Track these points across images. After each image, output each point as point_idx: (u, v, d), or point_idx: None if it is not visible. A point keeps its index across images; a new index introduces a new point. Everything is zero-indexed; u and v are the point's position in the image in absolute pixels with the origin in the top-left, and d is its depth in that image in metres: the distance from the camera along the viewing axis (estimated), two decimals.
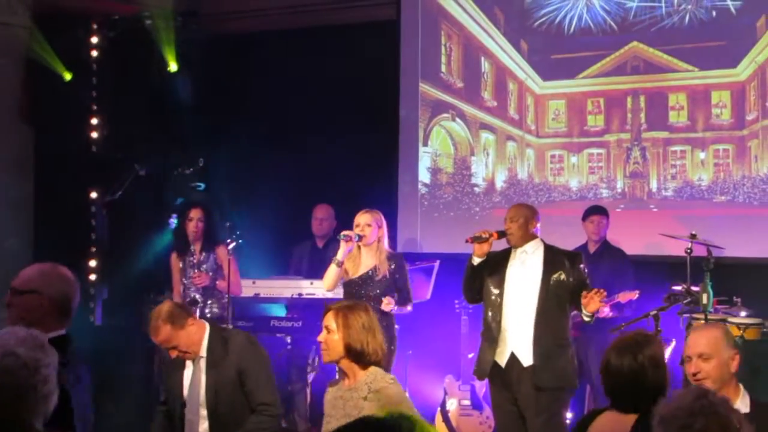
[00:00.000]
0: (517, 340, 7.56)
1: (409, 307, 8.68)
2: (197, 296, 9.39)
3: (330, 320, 5.47)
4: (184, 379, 6.68)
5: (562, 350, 7.51)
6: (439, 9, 11.61)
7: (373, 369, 5.43)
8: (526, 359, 7.51)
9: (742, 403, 4.94)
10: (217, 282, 9.48)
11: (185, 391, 6.65)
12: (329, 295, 8.97)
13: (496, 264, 7.73)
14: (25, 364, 3.49)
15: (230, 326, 9.24)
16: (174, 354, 6.57)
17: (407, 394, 5.46)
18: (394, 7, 11.80)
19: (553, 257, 7.69)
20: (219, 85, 12.29)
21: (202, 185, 11.33)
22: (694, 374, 4.95)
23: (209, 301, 9.51)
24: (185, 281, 9.53)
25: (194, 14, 12.50)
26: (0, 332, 3.64)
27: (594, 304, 7.22)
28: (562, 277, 7.57)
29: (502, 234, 7.65)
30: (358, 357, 5.41)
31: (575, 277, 7.59)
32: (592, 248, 9.69)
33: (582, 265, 7.65)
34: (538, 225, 7.75)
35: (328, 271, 8.51)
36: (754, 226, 9.84)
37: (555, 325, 7.57)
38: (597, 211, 9.80)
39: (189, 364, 6.65)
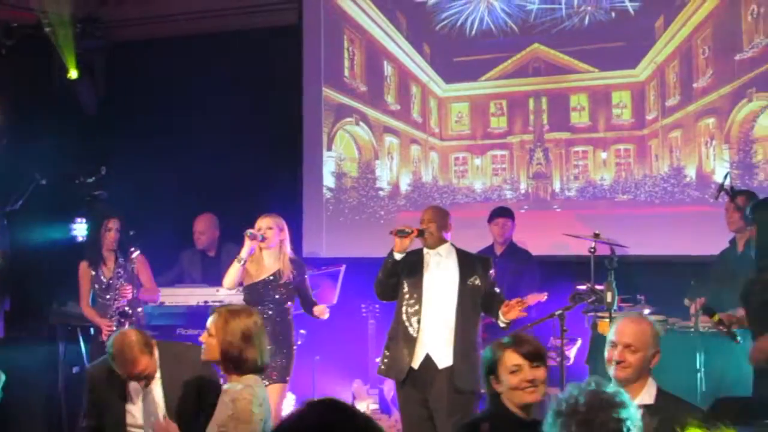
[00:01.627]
0: (434, 342, 7.59)
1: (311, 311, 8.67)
2: (128, 309, 9.20)
3: (211, 322, 5.50)
4: (129, 408, 6.34)
5: (476, 353, 7.53)
6: (342, 13, 11.60)
7: (245, 379, 5.42)
8: (442, 361, 7.54)
9: (647, 394, 5.01)
10: (140, 291, 9.34)
11: (138, 421, 6.31)
12: (235, 301, 8.91)
13: (412, 264, 7.75)
14: None
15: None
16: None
17: (262, 413, 5.36)
18: (296, 13, 11.76)
19: (467, 261, 7.78)
20: (121, 91, 12.18)
21: (104, 194, 11.17)
22: (619, 362, 5.01)
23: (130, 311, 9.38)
24: (109, 294, 9.34)
25: (94, 21, 12.35)
26: None
27: (514, 313, 7.32)
28: (477, 282, 7.67)
29: (421, 232, 7.68)
30: (234, 362, 5.41)
31: (487, 283, 7.71)
32: (498, 250, 9.74)
33: (492, 271, 7.75)
34: (451, 230, 7.83)
35: (230, 270, 8.41)
36: (656, 225, 9.95)
37: (471, 328, 7.66)
38: (502, 213, 9.85)
39: (134, 390, 6.34)
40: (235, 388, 5.38)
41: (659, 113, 10.22)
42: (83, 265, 9.46)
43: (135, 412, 6.37)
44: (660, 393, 5.05)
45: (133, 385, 6.34)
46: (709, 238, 9.24)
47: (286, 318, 8.39)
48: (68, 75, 11.86)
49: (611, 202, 10.36)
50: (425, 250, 7.80)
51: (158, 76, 12.03)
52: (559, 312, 7.45)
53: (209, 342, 5.46)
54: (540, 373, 4.98)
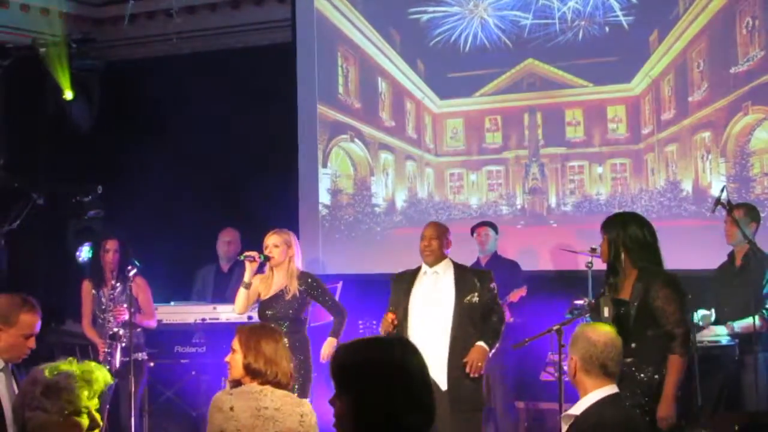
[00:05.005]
0: (430, 364, 7.52)
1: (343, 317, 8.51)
2: (120, 330, 9.16)
3: (236, 341, 5.50)
4: None
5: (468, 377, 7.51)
6: (335, 31, 11.60)
7: (257, 389, 5.38)
8: (439, 383, 7.46)
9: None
10: (137, 316, 9.29)
11: None
12: (232, 318, 8.90)
13: (405, 282, 7.73)
14: None
15: (144, 355, 9.15)
16: None
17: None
18: (290, 31, 11.76)
19: (463, 277, 7.71)
20: (117, 111, 12.19)
21: (101, 212, 11.16)
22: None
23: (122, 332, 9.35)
24: (105, 315, 9.32)
25: (89, 41, 12.37)
26: None
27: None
28: (474, 299, 7.60)
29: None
30: (255, 375, 5.40)
31: (486, 297, 7.64)
32: (483, 261, 9.74)
33: (492, 284, 7.69)
34: (450, 246, 7.83)
35: (238, 296, 8.36)
36: None
37: (468, 347, 7.56)
38: (481, 224, 9.87)
39: None
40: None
41: (655, 127, 10.22)
42: (86, 284, 9.46)
43: None
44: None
45: None
46: (706, 252, 9.22)
47: (298, 334, 8.27)
48: (63, 96, 11.85)
49: (607, 217, 10.33)
50: (423, 268, 7.77)
51: (153, 95, 12.03)
52: (557, 327, 7.42)
53: (234, 359, 5.47)
54: None
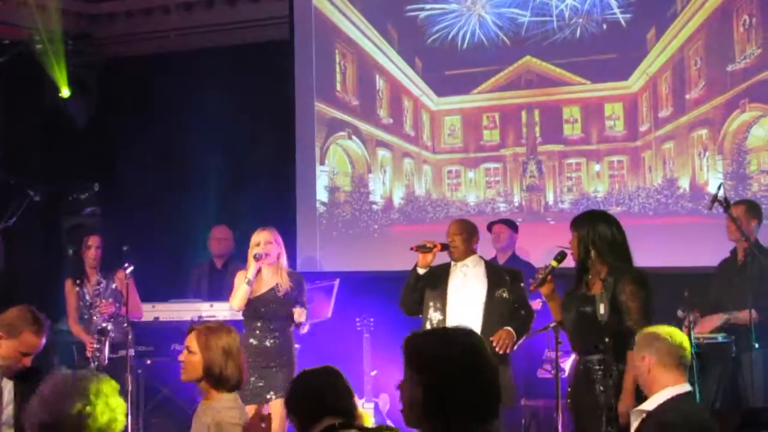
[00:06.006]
0: None
1: (304, 329, 8.54)
2: (107, 325, 9.18)
3: (192, 341, 5.42)
4: None
5: (504, 367, 7.51)
6: (333, 28, 11.59)
7: (226, 397, 5.37)
8: None
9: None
10: (122, 308, 9.34)
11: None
12: (228, 316, 8.90)
13: (437, 277, 7.78)
14: None
15: (132, 351, 9.14)
16: None
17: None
18: (287, 27, 11.75)
19: (495, 273, 7.81)
20: (114, 108, 12.18)
21: (98, 210, 11.16)
22: None
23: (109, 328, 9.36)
24: (91, 311, 9.35)
25: (86, 37, 12.37)
26: None
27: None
28: (505, 294, 7.70)
29: (445, 246, 7.70)
30: (216, 380, 5.35)
31: (516, 295, 7.74)
32: (501, 260, 9.73)
33: (522, 284, 7.75)
34: (478, 242, 7.89)
35: (238, 291, 8.37)
36: (649, 236, 9.90)
37: None
38: (498, 221, 9.92)
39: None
40: (217, 408, 5.35)
41: (652, 125, 10.22)
42: (68, 283, 9.53)
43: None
44: None
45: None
46: (703, 249, 9.24)
47: (287, 332, 8.35)
48: (60, 93, 11.84)
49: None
50: (452, 263, 7.83)
51: (149, 92, 12.03)
52: (553, 324, 7.43)
53: (190, 360, 5.39)
54: None
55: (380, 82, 11.47)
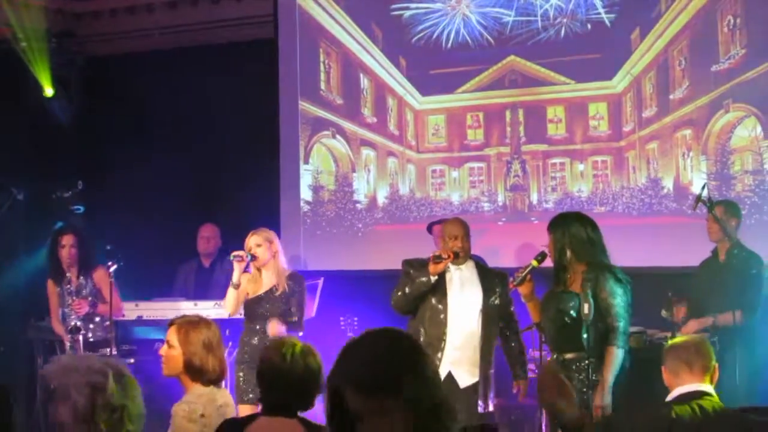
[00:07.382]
0: (458, 360, 7.55)
1: (299, 333, 8.51)
2: (78, 323, 9.19)
3: (171, 335, 5.42)
4: None
5: (492, 372, 7.66)
6: (318, 27, 11.57)
7: (198, 390, 5.37)
8: (464, 380, 7.51)
9: None
10: (99, 306, 9.33)
11: None
12: (213, 315, 8.87)
13: (435, 282, 7.69)
14: None
15: (114, 350, 9.12)
16: None
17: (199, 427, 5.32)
18: (272, 26, 11.73)
19: (485, 278, 7.80)
20: (97, 106, 12.13)
21: (81, 208, 11.14)
22: None
23: (90, 326, 9.34)
24: (65, 309, 9.35)
25: (69, 35, 12.32)
26: None
27: None
28: (496, 301, 7.74)
29: (456, 255, 7.64)
30: (197, 373, 5.35)
31: (504, 300, 7.79)
32: None
33: (507, 289, 7.73)
34: None
35: (227, 297, 8.39)
36: (633, 236, 9.93)
37: (491, 348, 7.71)
38: (438, 221, 9.64)
39: None
40: (185, 399, 5.35)
41: (636, 125, 10.23)
42: (50, 283, 9.56)
43: None
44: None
45: None
46: (686, 249, 9.24)
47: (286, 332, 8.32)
48: (43, 92, 11.79)
49: (589, 214, 10.31)
50: (450, 266, 7.74)
51: (134, 90, 11.97)
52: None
53: (171, 355, 5.39)
54: None
55: (364, 81, 11.46)
